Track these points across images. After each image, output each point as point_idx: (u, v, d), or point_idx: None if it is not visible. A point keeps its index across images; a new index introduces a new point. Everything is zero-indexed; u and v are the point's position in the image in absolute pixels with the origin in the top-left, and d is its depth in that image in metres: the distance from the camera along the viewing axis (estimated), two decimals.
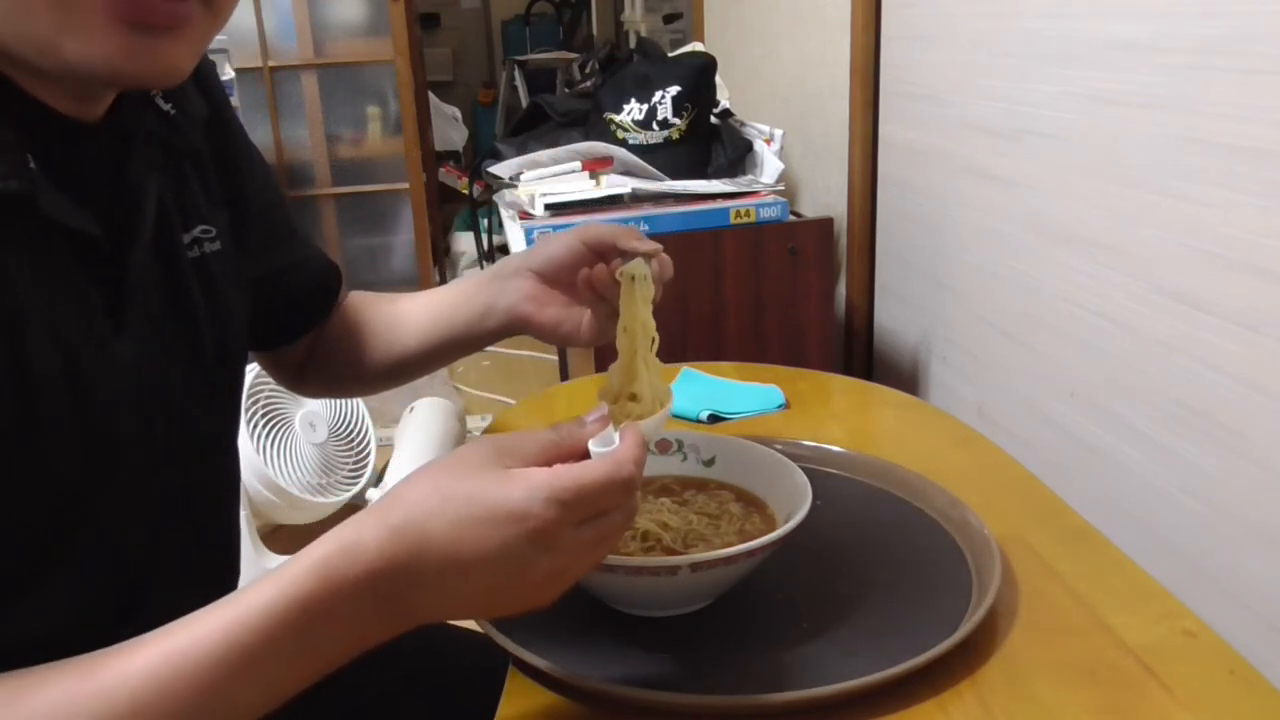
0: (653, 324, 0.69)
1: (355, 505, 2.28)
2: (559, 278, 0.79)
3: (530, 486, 0.50)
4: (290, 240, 0.85)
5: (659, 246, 0.72)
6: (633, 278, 0.69)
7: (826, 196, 1.98)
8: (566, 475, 0.51)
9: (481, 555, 0.49)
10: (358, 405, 2.39)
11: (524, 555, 0.50)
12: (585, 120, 1.90)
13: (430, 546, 0.49)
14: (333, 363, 0.91)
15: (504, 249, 2.68)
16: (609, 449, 0.55)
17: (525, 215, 1.73)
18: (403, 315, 0.89)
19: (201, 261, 0.69)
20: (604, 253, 0.76)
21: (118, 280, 0.59)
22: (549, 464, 0.53)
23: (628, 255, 0.72)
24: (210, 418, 0.70)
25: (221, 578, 0.74)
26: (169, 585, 0.64)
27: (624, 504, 0.54)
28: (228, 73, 3.27)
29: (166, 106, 0.66)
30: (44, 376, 0.53)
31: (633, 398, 0.67)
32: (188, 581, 0.67)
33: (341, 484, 2.26)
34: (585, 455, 0.56)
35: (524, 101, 4.90)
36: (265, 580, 0.49)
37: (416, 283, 3.92)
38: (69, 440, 0.55)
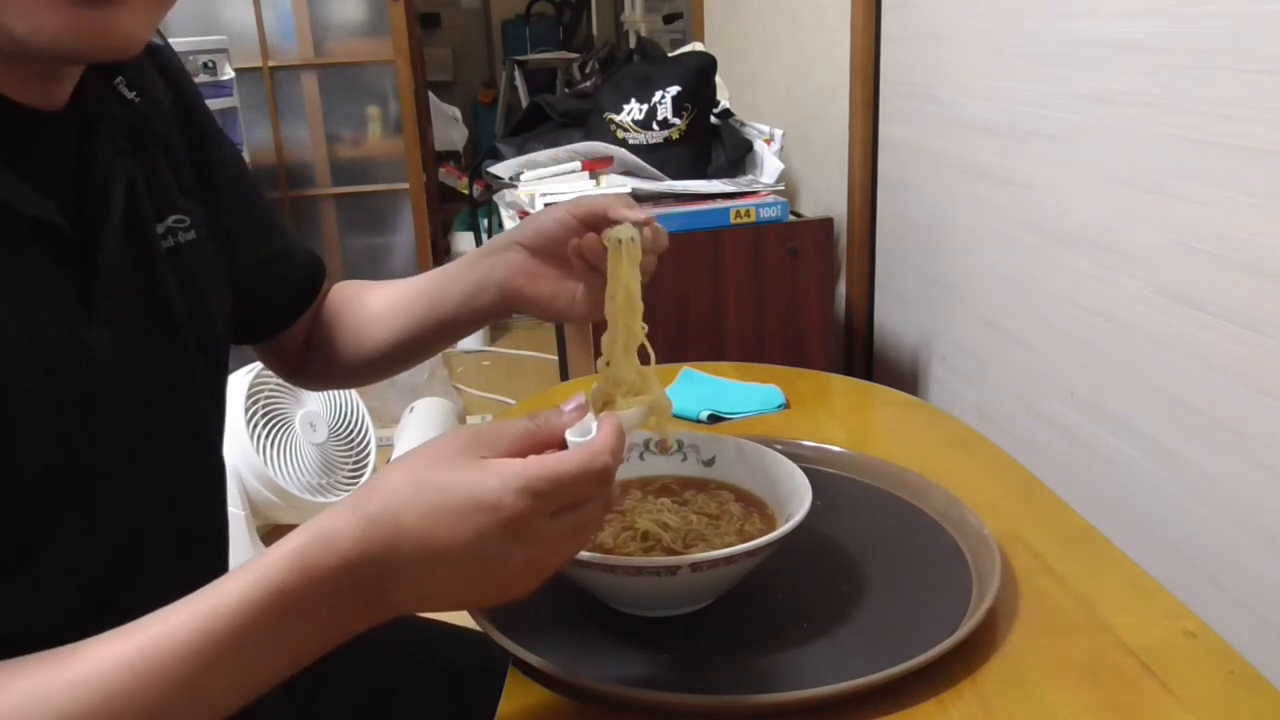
0: (638, 290, 0.67)
1: None
2: (550, 251, 0.77)
3: (504, 477, 0.50)
4: (270, 231, 0.84)
5: (651, 215, 0.71)
6: (619, 241, 0.67)
7: (826, 196, 1.98)
8: (541, 466, 0.50)
9: (455, 545, 0.49)
10: (358, 405, 2.39)
11: (498, 546, 0.50)
12: (585, 120, 1.90)
13: (404, 536, 0.49)
14: (329, 352, 0.90)
15: None
16: (586, 439, 0.54)
17: (525, 215, 1.73)
18: (396, 300, 0.87)
19: (176, 251, 0.68)
20: (595, 224, 0.74)
21: (88, 270, 0.59)
22: (525, 454, 0.53)
23: (619, 224, 0.70)
24: (190, 408, 0.70)
25: (207, 569, 0.74)
26: (151, 576, 0.64)
27: (600, 494, 0.53)
28: (228, 72, 3.26)
29: (130, 94, 0.66)
30: (16, 368, 0.53)
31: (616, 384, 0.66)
32: (171, 572, 0.66)
33: (341, 484, 2.26)
34: (563, 445, 0.55)
35: (524, 101, 4.90)
36: (240, 571, 0.49)
37: None
38: (43, 430, 0.55)
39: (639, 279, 0.68)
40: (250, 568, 0.49)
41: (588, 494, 0.52)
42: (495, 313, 0.82)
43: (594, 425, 0.55)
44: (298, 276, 0.87)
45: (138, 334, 0.63)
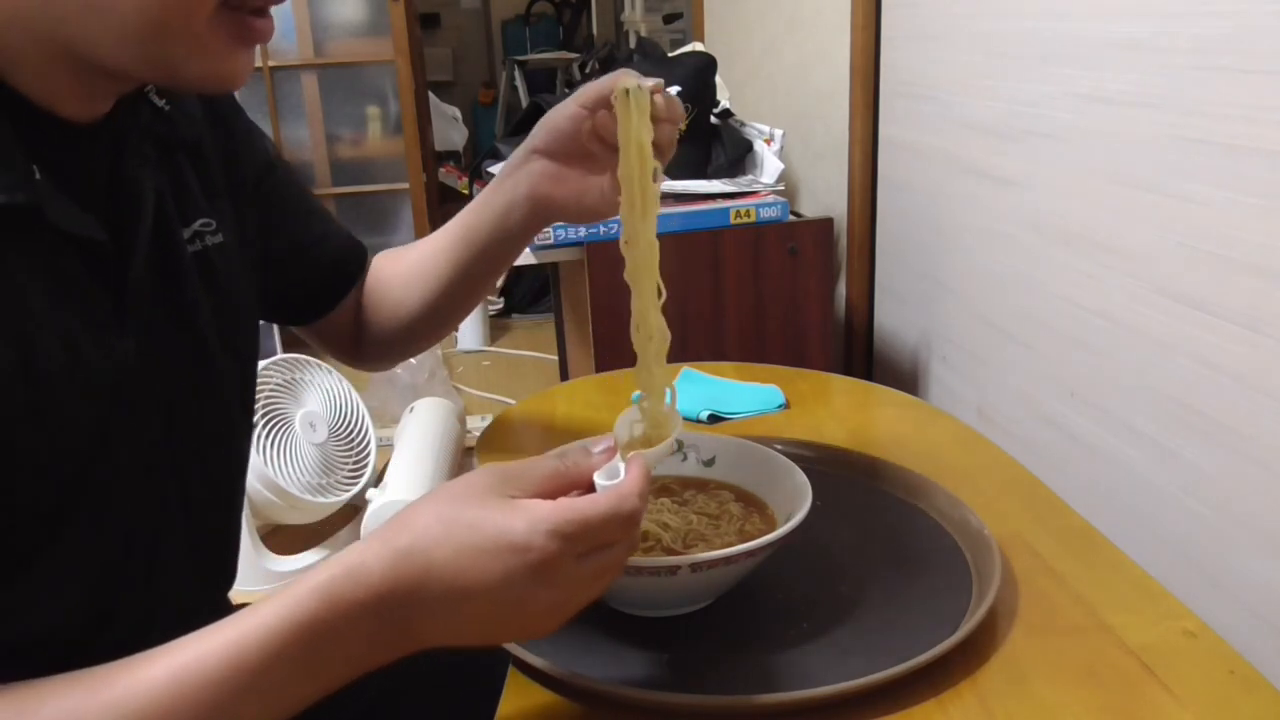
0: (650, 147, 0.65)
1: (355, 505, 2.28)
2: (569, 150, 0.77)
3: (533, 519, 0.50)
4: (308, 217, 0.85)
5: (660, 82, 0.69)
6: (626, 92, 0.65)
7: (826, 196, 1.98)
8: (570, 509, 0.51)
9: (483, 584, 0.50)
10: (358, 405, 2.39)
11: (525, 586, 0.50)
12: None
13: (433, 573, 0.50)
14: (382, 323, 0.91)
15: None
16: (614, 482, 0.55)
17: None
18: (430, 251, 0.88)
19: (203, 255, 0.68)
20: (604, 106, 0.72)
21: (121, 279, 0.59)
22: (554, 494, 0.54)
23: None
24: (215, 412, 0.70)
25: (213, 574, 0.74)
26: (154, 580, 0.64)
27: (626, 538, 0.54)
28: None
29: (160, 102, 0.66)
30: (50, 376, 0.53)
31: (645, 396, 0.66)
32: (174, 575, 0.66)
33: (341, 484, 2.26)
34: (590, 486, 0.56)
35: (524, 101, 4.90)
36: (270, 601, 0.50)
37: None
38: (69, 437, 0.55)
39: (650, 130, 0.66)
40: (280, 598, 0.50)
41: (615, 537, 0.53)
42: (528, 228, 0.81)
43: (621, 468, 0.56)
44: (338, 258, 0.88)
45: (164, 341, 0.64)
